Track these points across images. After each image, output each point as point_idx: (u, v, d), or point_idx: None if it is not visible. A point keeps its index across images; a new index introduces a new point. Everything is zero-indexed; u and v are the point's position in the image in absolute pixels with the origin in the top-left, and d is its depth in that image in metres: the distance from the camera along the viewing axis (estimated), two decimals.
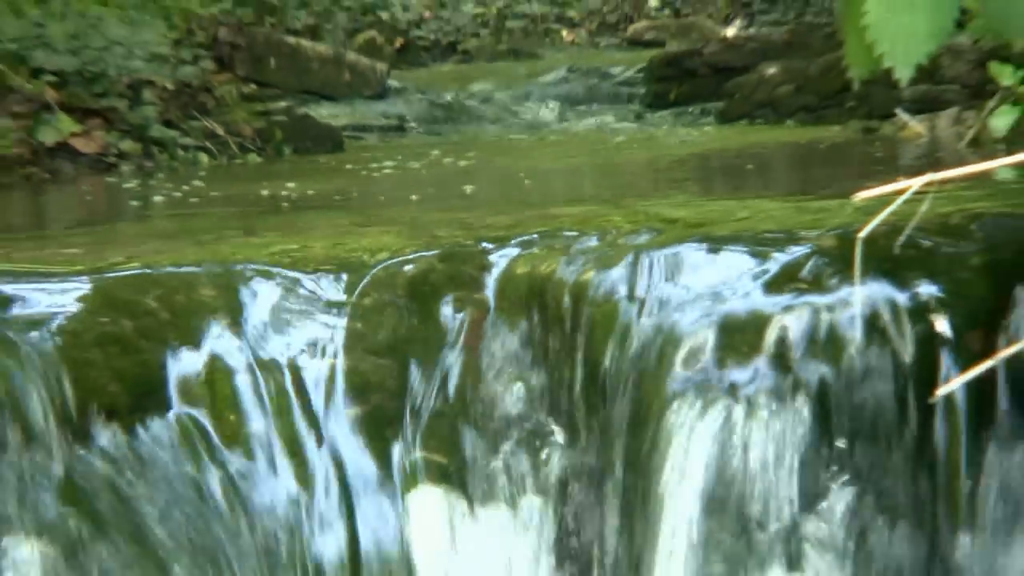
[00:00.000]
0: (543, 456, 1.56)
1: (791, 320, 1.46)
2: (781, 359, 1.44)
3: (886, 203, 1.33)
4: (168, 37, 5.90)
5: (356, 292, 1.64)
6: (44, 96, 4.94)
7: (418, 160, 4.79)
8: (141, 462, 1.45)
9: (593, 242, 1.68)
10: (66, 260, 1.80)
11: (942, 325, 1.43)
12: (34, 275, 1.63)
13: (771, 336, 1.45)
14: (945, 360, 1.43)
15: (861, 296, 1.44)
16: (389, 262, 1.69)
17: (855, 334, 1.43)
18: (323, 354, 1.58)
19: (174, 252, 1.80)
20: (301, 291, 1.63)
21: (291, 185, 3.74)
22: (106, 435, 1.45)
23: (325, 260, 1.71)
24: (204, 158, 5.29)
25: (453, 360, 1.60)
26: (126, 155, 5.02)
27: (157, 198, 3.68)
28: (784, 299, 1.48)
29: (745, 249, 1.58)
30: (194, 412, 1.50)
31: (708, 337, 1.47)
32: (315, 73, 7.32)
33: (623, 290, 1.56)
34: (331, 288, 1.65)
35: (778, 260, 1.54)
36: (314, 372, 1.57)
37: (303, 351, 1.58)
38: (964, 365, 1.38)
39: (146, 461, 1.45)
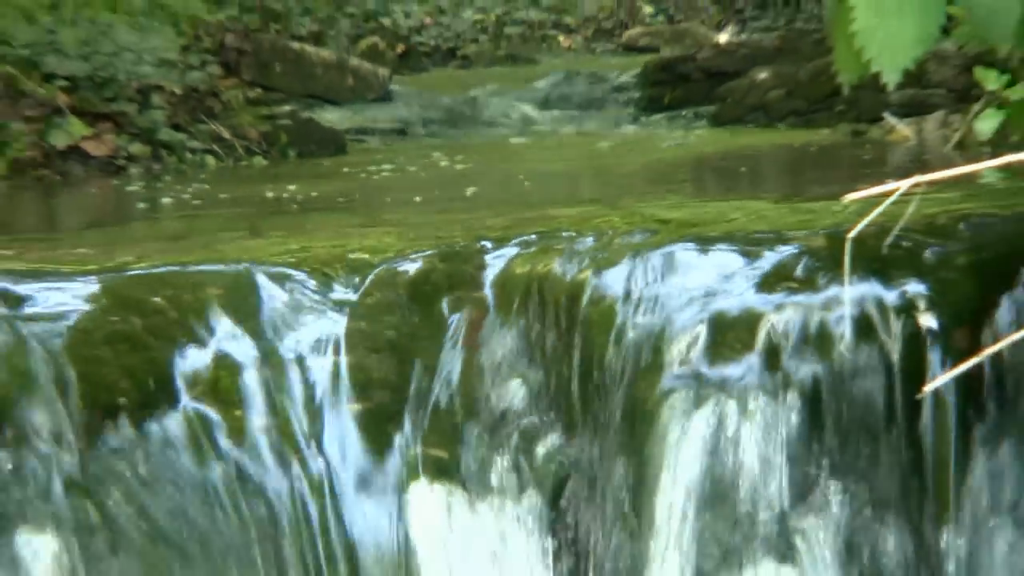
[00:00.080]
0: (540, 451, 1.56)
1: (782, 318, 1.46)
2: (772, 356, 1.44)
3: (875, 204, 1.33)
4: (176, 43, 5.89)
5: (359, 291, 1.64)
6: (56, 100, 4.93)
7: (419, 162, 4.79)
8: (149, 456, 1.45)
9: (590, 242, 1.68)
10: (77, 260, 1.80)
11: (929, 323, 1.43)
12: (46, 275, 1.63)
13: (762, 334, 1.45)
14: (932, 357, 1.43)
15: (850, 295, 1.43)
16: (391, 262, 1.69)
17: (844, 332, 1.43)
18: (327, 351, 1.58)
19: (182, 252, 1.80)
20: (305, 290, 1.63)
21: (295, 187, 3.73)
22: (116, 430, 1.44)
23: (329, 260, 1.70)
24: (211, 161, 5.28)
25: (453, 357, 1.60)
26: (135, 158, 5.01)
27: (165, 199, 3.68)
28: (775, 298, 1.48)
29: (737, 249, 1.58)
30: (201, 407, 1.49)
31: (701, 335, 1.47)
32: (319, 78, 7.32)
33: (619, 289, 1.56)
34: (335, 287, 1.65)
35: (769, 260, 1.54)
36: (318, 369, 1.57)
37: (307, 348, 1.58)
38: (951, 362, 1.38)
39: (154, 455, 1.45)
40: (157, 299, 1.55)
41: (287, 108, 6.34)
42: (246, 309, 1.58)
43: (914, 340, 1.43)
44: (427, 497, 1.55)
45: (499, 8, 10.09)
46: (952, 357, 1.40)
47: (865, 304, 1.45)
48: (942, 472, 1.42)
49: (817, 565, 1.42)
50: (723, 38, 9.02)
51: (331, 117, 6.61)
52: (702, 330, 1.47)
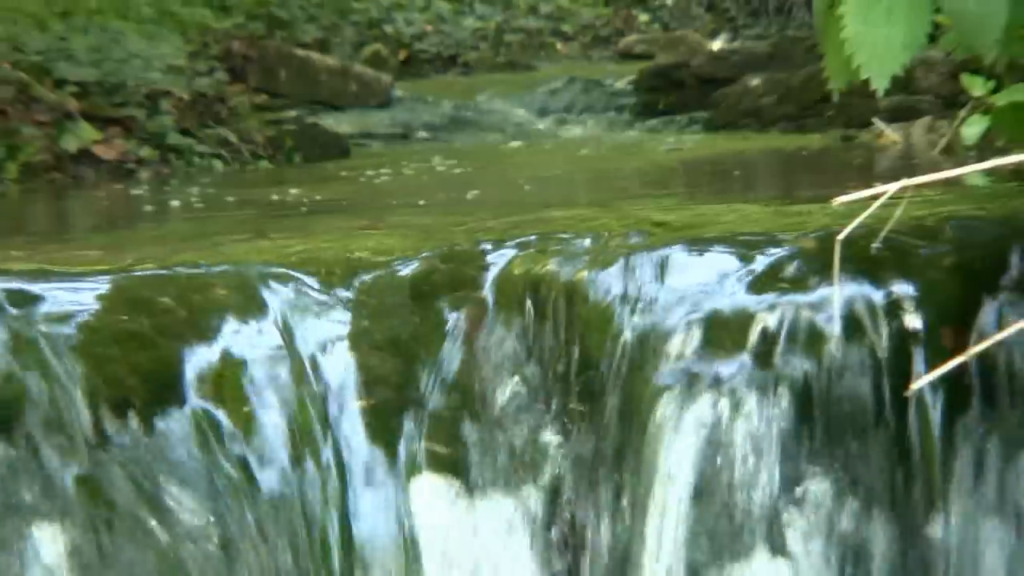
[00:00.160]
0: (538, 447, 1.56)
1: (774, 317, 1.46)
2: (764, 354, 1.44)
3: (864, 207, 1.33)
4: (184, 50, 5.90)
5: (363, 291, 1.64)
6: (67, 106, 4.94)
7: (421, 166, 4.79)
8: (157, 452, 1.45)
9: (586, 244, 1.68)
10: (87, 260, 1.80)
11: (916, 322, 1.43)
12: (57, 275, 1.63)
13: (755, 333, 1.45)
14: (919, 355, 1.43)
15: (840, 295, 1.44)
16: (394, 263, 1.69)
17: (834, 331, 1.43)
18: (331, 350, 1.58)
19: (190, 253, 1.80)
20: (310, 290, 1.63)
21: (300, 190, 3.73)
22: (124, 426, 1.44)
23: (333, 261, 1.70)
24: (218, 164, 5.29)
25: (454, 356, 1.60)
26: (144, 162, 5.02)
27: (174, 202, 3.68)
28: (767, 298, 1.48)
29: (730, 250, 1.58)
30: (208, 405, 1.49)
31: (695, 334, 1.47)
32: (323, 84, 7.32)
33: (615, 289, 1.56)
34: (339, 287, 1.65)
35: (761, 261, 1.54)
36: (323, 367, 1.57)
37: (313, 347, 1.58)
38: (937, 360, 1.38)
39: (162, 450, 1.45)
40: (165, 299, 1.55)
41: (292, 113, 6.35)
42: (252, 309, 1.58)
43: (902, 338, 1.43)
44: (429, 491, 1.55)
45: (499, 16, 10.09)
46: (938, 355, 1.40)
47: (854, 304, 1.45)
48: (929, 466, 1.42)
49: (806, 556, 1.42)
50: (716, 45, 9.02)
51: (335, 122, 6.62)
52: (696, 329, 1.47)
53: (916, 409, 1.42)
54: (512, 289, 1.62)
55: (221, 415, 1.49)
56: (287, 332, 1.58)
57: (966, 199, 1.88)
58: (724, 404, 1.43)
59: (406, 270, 1.67)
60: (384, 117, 7.19)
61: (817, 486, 1.43)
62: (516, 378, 1.58)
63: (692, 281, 1.53)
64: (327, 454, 1.53)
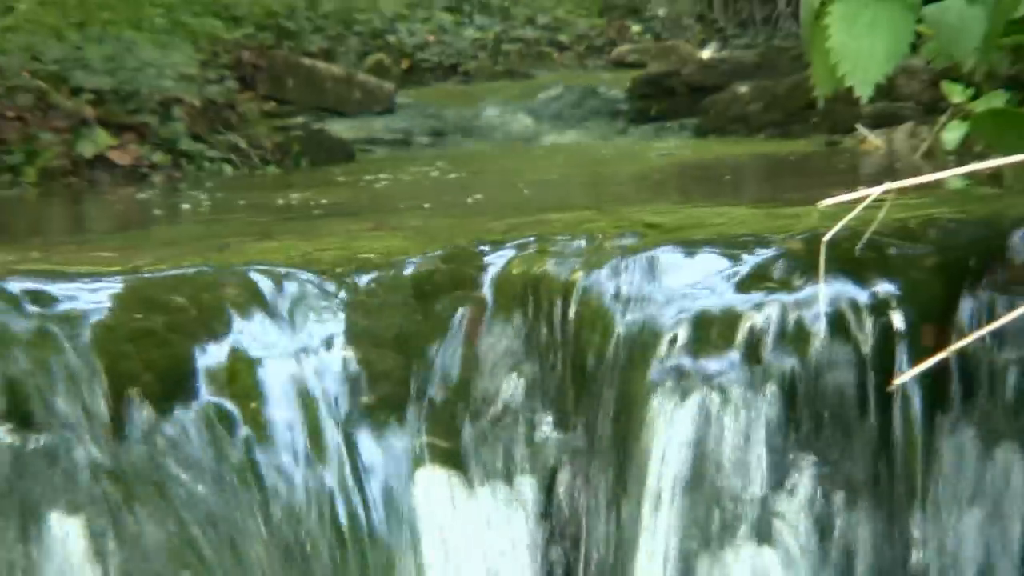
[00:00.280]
0: (536, 441, 1.56)
1: (761, 316, 1.46)
2: (752, 352, 1.44)
3: (848, 209, 1.33)
4: (196, 59, 5.89)
5: (367, 290, 1.64)
6: (84, 113, 4.94)
7: (423, 171, 4.78)
8: (171, 446, 1.44)
9: (582, 245, 1.68)
10: (103, 261, 1.80)
11: (898, 320, 1.43)
12: (74, 275, 1.63)
13: (743, 331, 1.45)
14: (901, 352, 1.43)
15: (825, 294, 1.44)
16: (396, 263, 1.69)
17: (820, 329, 1.43)
18: (337, 347, 1.58)
19: (201, 254, 1.80)
20: (317, 290, 1.63)
21: (307, 194, 3.73)
22: (139, 421, 1.44)
23: (339, 261, 1.70)
24: (228, 169, 5.28)
25: (454, 353, 1.59)
26: (157, 166, 5.02)
27: (185, 205, 3.68)
28: (755, 297, 1.48)
29: (719, 251, 1.58)
30: (219, 400, 1.49)
31: (685, 332, 1.47)
32: (329, 91, 7.32)
33: (608, 289, 1.56)
34: (344, 287, 1.64)
35: (749, 262, 1.54)
36: (328, 364, 1.57)
37: (319, 344, 1.58)
38: (919, 357, 1.38)
39: (175, 445, 1.45)
40: (178, 298, 1.55)
41: (299, 120, 6.35)
42: (261, 307, 1.58)
43: (885, 336, 1.43)
44: (430, 484, 1.55)
45: (497, 27, 10.08)
46: (919, 352, 1.40)
47: (839, 303, 1.45)
48: (911, 459, 1.42)
49: (794, 546, 1.42)
50: (706, 54, 9.02)
51: (340, 128, 6.61)
52: (686, 327, 1.47)
53: (899, 404, 1.42)
54: (511, 289, 1.62)
55: (232, 409, 1.49)
56: (294, 330, 1.58)
57: (947, 202, 1.88)
58: (714, 399, 1.43)
59: (409, 270, 1.66)
60: (387, 123, 7.18)
61: (803, 478, 1.43)
62: (515, 374, 1.58)
63: (683, 281, 1.53)
64: (333, 447, 1.53)
